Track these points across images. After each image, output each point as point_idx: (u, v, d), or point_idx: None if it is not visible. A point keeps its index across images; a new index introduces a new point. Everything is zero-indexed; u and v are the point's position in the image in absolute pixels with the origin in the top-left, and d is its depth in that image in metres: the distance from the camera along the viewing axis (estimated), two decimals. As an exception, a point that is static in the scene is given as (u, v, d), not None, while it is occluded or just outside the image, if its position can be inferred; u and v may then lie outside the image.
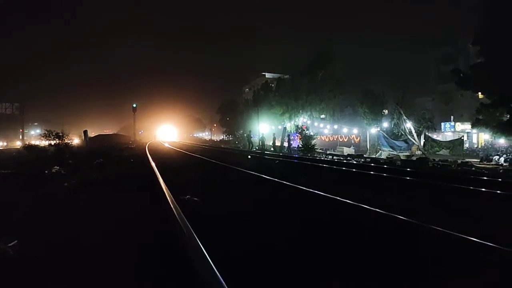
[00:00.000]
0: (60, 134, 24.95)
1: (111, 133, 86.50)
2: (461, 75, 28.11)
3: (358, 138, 41.62)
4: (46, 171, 13.20)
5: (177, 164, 17.37)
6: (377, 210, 6.07)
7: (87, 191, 8.58)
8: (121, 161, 18.29)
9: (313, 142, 33.15)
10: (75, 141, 37.37)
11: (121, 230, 5.14)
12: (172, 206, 5.34)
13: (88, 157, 19.79)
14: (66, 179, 10.87)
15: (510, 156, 24.32)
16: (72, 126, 60.85)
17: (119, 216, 6.03)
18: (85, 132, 30.53)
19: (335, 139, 44.88)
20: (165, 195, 6.48)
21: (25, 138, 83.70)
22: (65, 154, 21.56)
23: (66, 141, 25.96)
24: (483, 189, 8.66)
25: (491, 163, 24.12)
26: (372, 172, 13.22)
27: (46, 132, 25.10)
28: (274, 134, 36.62)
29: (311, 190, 8.22)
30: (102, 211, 6.48)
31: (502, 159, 24.80)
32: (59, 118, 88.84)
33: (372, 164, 17.86)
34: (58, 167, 14.06)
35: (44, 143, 25.77)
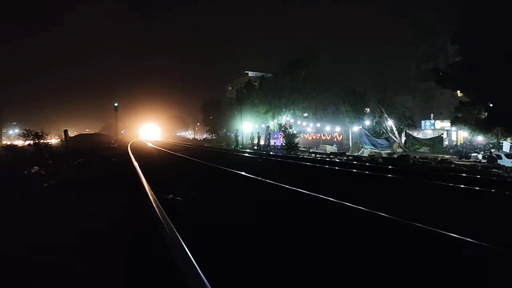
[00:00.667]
0: (40, 133, 24.50)
1: (92, 132, 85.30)
2: (441, 73, 28.57)
3: (341, 136, 41.89)
4: (25, 172, 12.97)
5: (160, 163, 17.23)
6: (354, 206, 6.15)
7: (67, 192, 8.44)
8: (102, 161, 18.06)
9: (296, 140, 33.29)
10: (56, 140, 36.66)
11: (101, 229, 5.08)
12: (155, 206, 5.30)
13: (69, 157, 19.47)
14: (45, 179, 10.69)
15: (488, 153, 24.85)
16: (53, 125, 59.66)
17: (100, 216, 5.96)
18: (65, 131, 29.90)
19: (318, 137, 45.08)
20: (147, 194, 6.42)
21: (3, 138, 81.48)
22: (44, 154, 21.19)
23: (46, 141, 25.50)
24: (462, 186, 8.86)
25: (470, 160, 24.60)
26: (354, 170, 13.37)
27: (25, 132, 24.63)
28: (258, 132, 36.59)
29: (294, 188, 8.24)
30: (83, 211, 6.38)
31: (480, 156, 25.35)
32: (39, 118, 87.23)
33: (354, 162, 18.05)
34: (37, 168, 13.84)
35: (23, 143, 25.32)
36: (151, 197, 6.10)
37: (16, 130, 72.51)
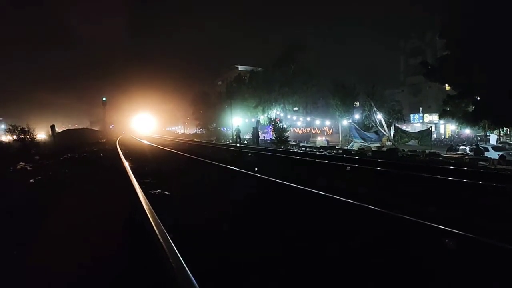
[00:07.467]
0: (26, 129, 24.31)
1: (80, 127, 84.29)
2: (429, 67, 28.85)
3: (331, 130, 42.15)
4: (11, 168, 12.78)
5: (149, 159, 17.05)
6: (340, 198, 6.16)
7: (53, 188, 8.32)
8: (90, 157, 17.86)
9: (286, 134, 33.32)
10: (43, 136, 36.29)
11: (87, 224, 5.02)
12: (143, 202, 5.23)
13: (56, 152, 19.24)
14: (31, 175, 10.53)
15: (475, 146, 25.16)
16: (41, 120, 58.83)
17: (89, 210, 5.89)
18: (52, 126, 29.53)
19: (308, 131, 45.30)
20: (135, 190, 6.35)
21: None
22: (31, 150, 20.97)
23: (33, 136, 25.30)
24: (450, 178, 8.92)
25: (458, 152, 24.89)
26: (343, 163, 13.41)
27: (11, 128, 24.45)
28: (253, 128, 36.74)
29: (285, 183, 8.21)
30: (71, 206, 6.29)
31: (467, 149, 25.65)
32: (25, 113, 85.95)
33: (344, 156, 18.13)
34: (23, 164, 13.64)
35: (10, 138, 25.14)
36: (140, 193, 6.01)
37: (2, 126, 71.54)
